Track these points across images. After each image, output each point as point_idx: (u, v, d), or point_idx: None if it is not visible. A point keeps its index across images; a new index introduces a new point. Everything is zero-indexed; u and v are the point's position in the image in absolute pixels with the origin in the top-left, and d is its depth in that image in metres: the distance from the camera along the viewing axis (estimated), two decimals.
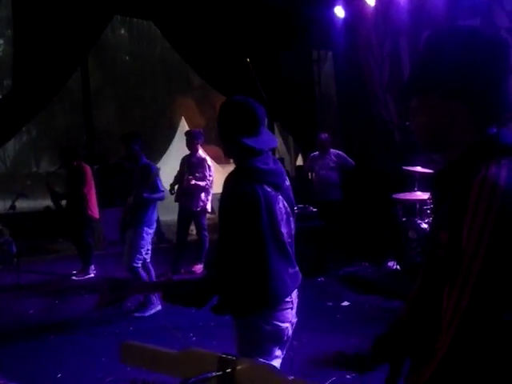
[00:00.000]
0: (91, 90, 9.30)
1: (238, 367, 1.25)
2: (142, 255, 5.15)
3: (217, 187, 7.94)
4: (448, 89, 1.21)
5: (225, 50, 9.04)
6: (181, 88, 17.70)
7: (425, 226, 5.62)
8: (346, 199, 7.52)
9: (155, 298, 5.26)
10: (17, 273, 6.39)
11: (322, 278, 6.31)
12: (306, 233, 6.44)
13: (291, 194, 2.41)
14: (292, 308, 2.32)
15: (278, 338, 2.28)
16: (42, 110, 8.52)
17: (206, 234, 6.95)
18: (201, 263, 6.91)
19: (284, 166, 9.99)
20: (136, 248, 5.11)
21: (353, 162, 7.42)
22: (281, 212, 2.28)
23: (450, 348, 1.07)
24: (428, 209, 5.82)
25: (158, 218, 9.10)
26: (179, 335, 4.53)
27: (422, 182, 6.01)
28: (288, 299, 2.28)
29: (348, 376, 3.51)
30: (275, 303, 2.26)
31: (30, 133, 17.45)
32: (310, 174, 8.15)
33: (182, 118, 14.24)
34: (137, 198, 5.10)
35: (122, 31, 18.74)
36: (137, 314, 5.20)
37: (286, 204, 2.33)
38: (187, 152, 6.93)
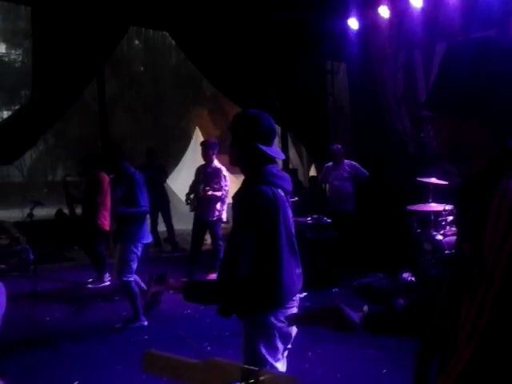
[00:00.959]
0: (106, 99, 9.43)
1: (261, 378, 1.27)
2: (131, 268, 5.12)
3: (229, 196, 8.03)
4: (465, 108, 1.21)
5: (239, 60, 9.11)
6: (195, 98, 17.82)
7: (440, 237, 5.60)
8: (359, 210, 7.52)
9: (142, 315, 5.25)
10: (34, 280, 6.47)
11: (337, 289, 6.31)
12: (321, 243, 6.45)
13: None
14: (296, 307, 2.44)
15: (284, 335, 2.39)
16: (59, 120, 8.65)
17: (221, 243, 6.97)
18: (215, 272, 6.94)
19: (297, 177, 10.03)
20: (125, 262, 5.08)
21: (366, 173, 7.42)
22: (290, 214, 2.44)
23: (468, 364, 1.06)
24: (443, 220, 5.80)
25: (172, 227, 9.21)
26: (194, 344, 4.54)
27: (437, 194, 6.00)
28: (294, 298, 2.42)
29: None
30: (285, 301, 2.37)
31: (46, 142, 17.64)
32: (323, 184, 8.16)
33: (196, 127, 14.32)
34: (118, 213, 5.07)
35: (137, 42, 18.98)
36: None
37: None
38: (201, 161, 6.97)
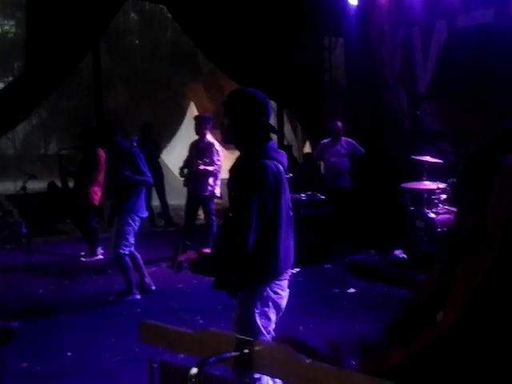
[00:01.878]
0: (101, 73, 9.30)
1: (256, 348, 1.28)
2: (128, 241, 5.12)
3: (225, 172, 7.98)
4: (467, 100, 1.24)
5: (236, 35, 8.99)
6: (190, 73, 17.59)
7: (432, 215, 5.63)
8: (354, 187, 7.53)
9: (135, 288, 5.28)
10: (27, 253, 6.47)
11: (329, 265, 6.36)
12: (314, 220, 6.47)
13: None
14: (288, 279, 2.52)
15: (278, 305, 2.46)
16: (53, 93, 8.55)
17: (214, 218, 6.98)
18: (209, 247, 6.96)
19: (292, 154, 9.98)
20: (121, 234, 5.08)
21: (363, 150, 7.42)
22: (288, 189, 2.52)
23: (463, 318, 1.09)
24: (436, 199, 5.83)
25: (166, 202, 9.21)
26: (187, 317, 4.59)
27: (431, 172, 6.01)
28: (288, 270, 2.50)
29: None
30: (280, 273, 2.44)
31: (39, 115, 17.44)
32: (318, 161, 8.15)
33: (192, 102, 14.18)
34: (121, 183, 5.05)
35: (133, 15, 18.64)
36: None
37: None
38: (196, 137, 6.93)
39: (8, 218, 8.02)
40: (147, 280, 5.49)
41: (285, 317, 4.69)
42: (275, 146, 2.55)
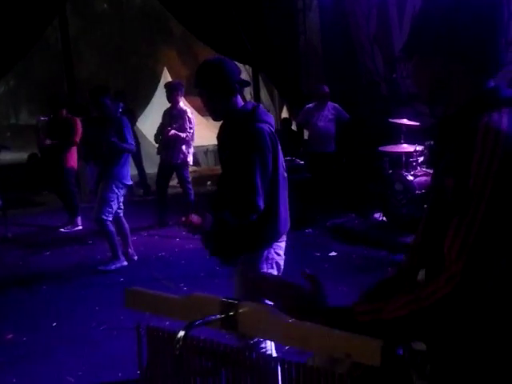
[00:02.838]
0: (70, 38, 9.02)
1: (240, 310, 1.30)
2: (111, 208, 5.10)
3: (201, 139, 7.92)
4: (444, 50, 1.26)
5: None
6: (162, 38, 17.23)
7: (411, 178, 5.71)
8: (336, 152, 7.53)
9: (121, 254, 5.30)
10: (3, 226, 6.39)
11: (310, 230, 6.43)
12: (294, 185, 6.46)
13: None
14: (285, 241, 2.57)
15: (279, 266, 2.53)
16: (20, 60, 8.28)
17: (190, 186, 6.95)
18: (188, 216, 6.95)
19: None
20: (105, 200, 5.06)
21: (347, 115, 7.38)
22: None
23: (462, 277, 1.11)
24: (414, 161, 5.89)
25: (144, 170, 9.13)
26: (171, 285, 4.62)
27: (409, 135, 6.05)
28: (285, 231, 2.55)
29: None
30: (281, 236, 2.50)
31: (8, 84, 16.95)
32: (304, 126, 8.05)
33: (165, 68, 13.92)
34: (106, 149, 5.01)
35: None
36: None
37: None
38: (169, 104, 6.84)
39: None
40: (130, 250, 5.49)
41: None
42: (265, 109, 2.58)
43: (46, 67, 15.69)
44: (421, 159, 5.88)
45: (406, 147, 5.94)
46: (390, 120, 6.15)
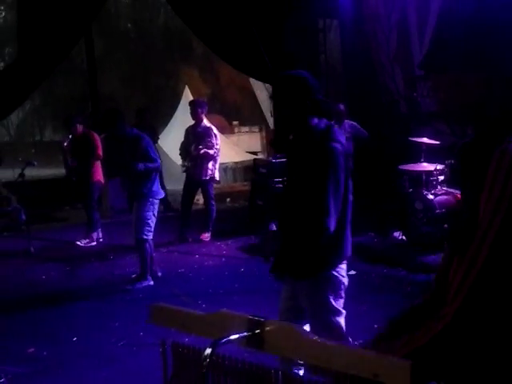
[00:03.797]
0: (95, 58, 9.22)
1: (267, 328, 1.31)
2: (150, 226, 5.11)
3: (222, 156, 8.00)
4: (467, 66, 1.21)
5: (229, 17, 8.91)
6: (184, 56, 17.49)
7: (431, 196, 5.67)
8: (355, 170, 7.49)
9: (149, 274, 5.28)
10: (27, 240, 6.48)
11: None
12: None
13: None
14: (346, 263, 2.53)
15: (345, 287, 2.51)
16: (47, 79, 8.48)
17: (214, 203, 7.01)
18: (208, 232, 6.99)
19: (288, 137, 9.83)
20: (142, 220, 5.07)
21: (366, 133, 7.37)
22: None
23: (453, 319, 1.09)
24: (434, 180, 5.85)
25: (165, 187, 9.19)
26: (190, 302, 4.63)
27: (429, 153, 6.03)
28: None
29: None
30: (346, 256, 2.48)
31: (33, 101, 17.34)
32: None
33: (186, 87, 14.11)
34: (132, 172, 5.03)
35: None
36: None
37: None
38: (191, 121, 6.92)
39: (6, 205, 8.02)
40: (154, 267, 5.48)
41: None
42: (338, 128, 2.54)
43: (71, 85, 16.02)
44: (441, 178, 5.84)
45: (426, 166, 5.90)
46: (410, 139, 6.14)
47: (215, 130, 6.87)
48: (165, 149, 10.69)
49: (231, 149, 12.07)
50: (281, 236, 2.42)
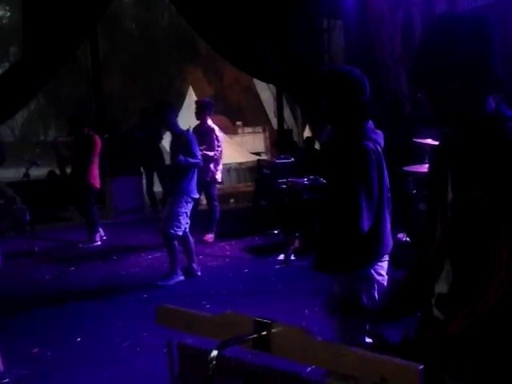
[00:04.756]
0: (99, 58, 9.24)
1: (273, 330, 1.30)
2: (180, 223, 5.07)
3: (223, 158, 8.00)
4: (459, 75, 1.32)
5: (233, 17, 8.91)
6: (188, 57, 17.52)
7: None
8: None
9: (179, 269, 5.29)
10: (31, 240, 6.50)
11: None
12: (316, 204, 6.48)
13: None
14: (388, 261, 2.48)
15: (381, 286, 2.43)
16: (52, 79, 8.51)
17: (217, 204, 7.00)
18: (211, 233, 6.99)
19: (292, 138, 9.88)
20: (174, 215, 5.05)
21: None
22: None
23: (510, 285, 1.19)
24: None
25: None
26: (193, 303, 4.62)
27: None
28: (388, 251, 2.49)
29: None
30: (384, 255, 2.44)
31: (38, 101, 17.39)
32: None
33: (190, 87, 14.13)
34: (173, 166, 5.06)
35: None
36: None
37: None
38: (195, 121, 6.91)
39: (11, 205, 8.02)
40: (194, 265, 5.46)
41: (290, 300, 4.73)
42: (373, 126, 2.51)
43: (75, 85, 16.06)
44: None
45: None
46: (415, 140, 6.12)
47: (218, 132, 6.85)
48: (168, 149, 10.69)
49: (235, 149, 12.08)
50: (321, 235, 2.40)
